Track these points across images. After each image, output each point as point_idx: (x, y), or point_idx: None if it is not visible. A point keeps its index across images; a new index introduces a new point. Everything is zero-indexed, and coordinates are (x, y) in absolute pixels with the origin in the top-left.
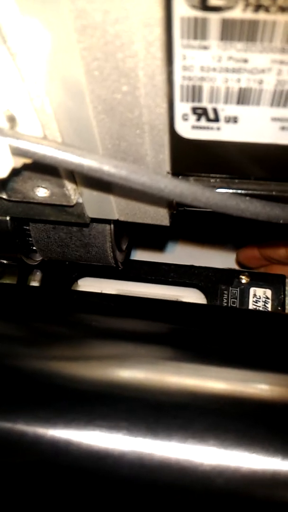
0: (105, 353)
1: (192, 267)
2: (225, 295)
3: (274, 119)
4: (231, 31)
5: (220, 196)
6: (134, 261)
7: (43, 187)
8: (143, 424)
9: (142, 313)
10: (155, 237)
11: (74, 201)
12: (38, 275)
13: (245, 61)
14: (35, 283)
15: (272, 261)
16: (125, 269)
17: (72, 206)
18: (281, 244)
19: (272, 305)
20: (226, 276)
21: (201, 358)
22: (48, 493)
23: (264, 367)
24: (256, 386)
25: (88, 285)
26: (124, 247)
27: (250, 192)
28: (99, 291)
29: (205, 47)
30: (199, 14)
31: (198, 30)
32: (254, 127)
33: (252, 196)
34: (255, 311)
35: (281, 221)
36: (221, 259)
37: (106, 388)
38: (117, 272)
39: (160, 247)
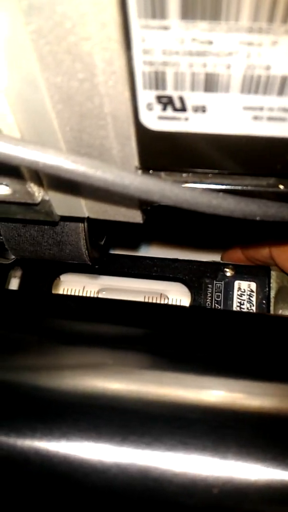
0: (75, 361)
1: (175, 260)
2: (209, 289)
3: (246, 108)
4: (193, 9)
5: (190, 192)
6: (116, 255)
7: (4, 184)
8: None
9: (119, 318)
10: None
11: (39, 199)
12: (18, 271)
13: (210, 42)
14: (15, 279)
15: (256, 262)
16: (108, 264)
17: (37, 204)
18: (264, 245)
19: (256, 298)
20: (211, 269)
21: (170, 365)
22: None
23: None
24: (215, 392)
25: (70, 280)
26: (101, 243)
27: (224, 187)
28: (82, 287)
29: (166, 28)
30: None
31: (156, 8)
32: (224, 117)
33: (226, 191)
34: (237, 313)
35: (257, 218)
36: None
37: (73, 397)
38: (100, 267)
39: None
